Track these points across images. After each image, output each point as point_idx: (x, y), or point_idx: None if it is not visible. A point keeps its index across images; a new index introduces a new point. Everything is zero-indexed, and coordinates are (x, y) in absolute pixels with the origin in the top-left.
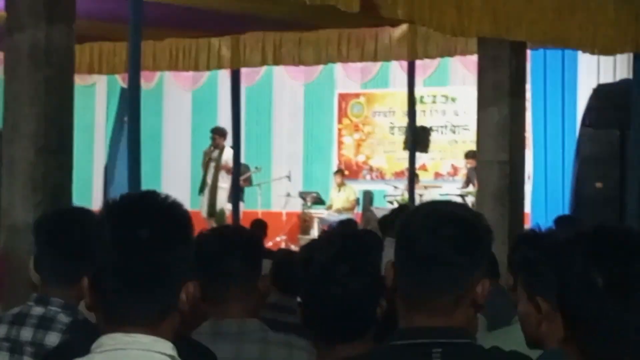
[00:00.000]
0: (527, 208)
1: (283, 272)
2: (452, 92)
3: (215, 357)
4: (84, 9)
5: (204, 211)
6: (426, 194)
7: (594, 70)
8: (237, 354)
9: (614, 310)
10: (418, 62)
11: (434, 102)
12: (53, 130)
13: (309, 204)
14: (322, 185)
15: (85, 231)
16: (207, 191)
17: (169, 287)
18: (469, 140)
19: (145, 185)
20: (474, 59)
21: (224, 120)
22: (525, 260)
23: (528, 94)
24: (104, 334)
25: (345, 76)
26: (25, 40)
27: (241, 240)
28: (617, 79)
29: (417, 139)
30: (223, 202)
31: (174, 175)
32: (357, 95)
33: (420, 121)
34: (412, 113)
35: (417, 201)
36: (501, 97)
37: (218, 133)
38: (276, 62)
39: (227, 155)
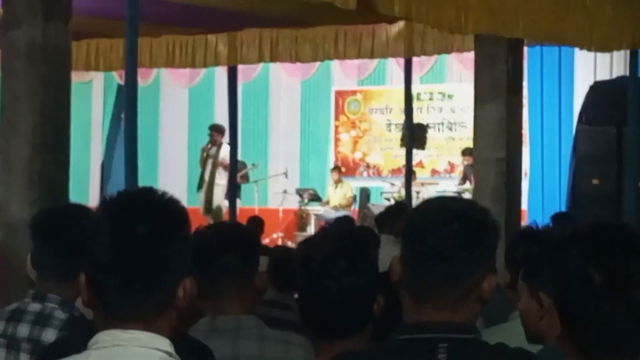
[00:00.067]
0: (524, 205)
1: (280, 269)
2: (449, 89)
3: (212, 353)
4: (81, 5)
5: (202, 208)
6: (423, 191)
7: (590, 68)
8: (234, 350)
9: (611, 307)
10: (415, 59)
11: (430, 99)
12: (50, 127)
13: (305, 200)
14: (319, 182)
15: (82, 228)
16: (204, 188)
17: (166, 284)
18: (465, 137)
19: (142, 182)
20: (470, 56)
21: (221, 117)
22: (527, 255)
23: (525, 91)
24: (100, 330)
25: (342, 73)
26: (22, 37)
27: (238, 237)
28: (614, 76)
29: (414, 136)
30: (220, 199)
31: (171, 171)
32: (354, 92)
33: (417, 118)
34: (409, 110)
35: (414, 198)
36: (498, 94)
37: (216, 130)
38: (273, 59)
39: (225, 152)
